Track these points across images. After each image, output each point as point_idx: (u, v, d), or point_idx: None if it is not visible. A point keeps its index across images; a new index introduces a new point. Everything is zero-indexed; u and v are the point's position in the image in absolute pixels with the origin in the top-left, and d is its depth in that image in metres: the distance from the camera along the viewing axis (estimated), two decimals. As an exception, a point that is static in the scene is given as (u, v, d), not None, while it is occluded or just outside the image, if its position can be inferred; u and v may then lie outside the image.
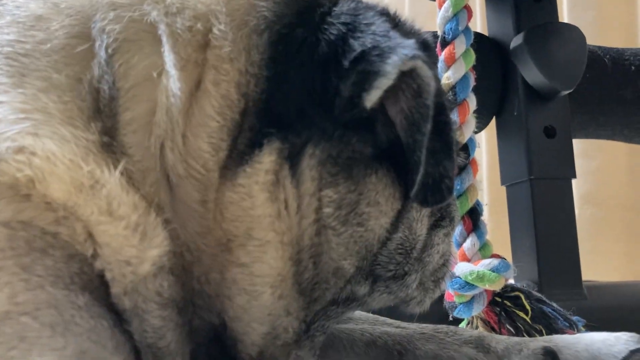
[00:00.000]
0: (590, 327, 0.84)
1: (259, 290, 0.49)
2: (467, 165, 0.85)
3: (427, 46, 0.56)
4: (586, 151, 2.05)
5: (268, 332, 0.52)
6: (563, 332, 0.80)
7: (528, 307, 0.80)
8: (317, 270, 0.52)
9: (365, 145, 0.51)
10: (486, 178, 2.18)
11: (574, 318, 0.84)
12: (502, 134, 1.16)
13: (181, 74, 0.49)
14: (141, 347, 0.48)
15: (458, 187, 0.85)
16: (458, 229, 0.85)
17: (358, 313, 0.79)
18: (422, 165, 0.48)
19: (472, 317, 0.85)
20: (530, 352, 0.65)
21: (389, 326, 0.75)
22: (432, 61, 0.57)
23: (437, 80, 0.49)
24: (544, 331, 0.80)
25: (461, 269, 0.82)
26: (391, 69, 0.46)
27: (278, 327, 0.52)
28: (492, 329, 0.82)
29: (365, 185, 0.51)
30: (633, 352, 0.61)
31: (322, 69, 0.49)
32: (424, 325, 0.74)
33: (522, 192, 1.09)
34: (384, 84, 0.46)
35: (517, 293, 0.81)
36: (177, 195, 0.49)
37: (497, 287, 0.81)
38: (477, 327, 0.84)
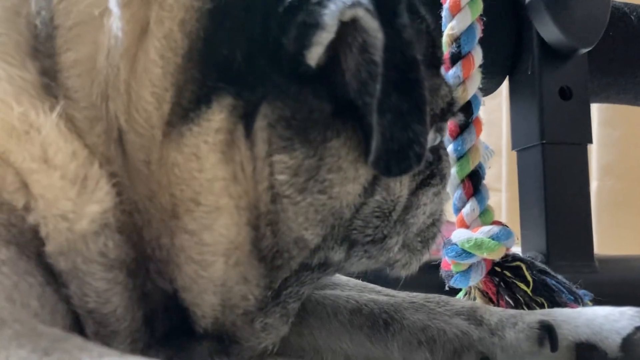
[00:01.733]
0: (600, 302, 0.78)
1: (208, 260, 0.45)
2: (470, 124, 0.78)
3: None
4: (609, 120, 1.95)
5: (221, 303, 0.48)
6: (566, 306, 0.74)
7: (529, 279, 0.74)
8: (277, 239, 0.47)
9: (323, 102, 0.45)
10: (505, 144, 2.10)
11: (580, 291, 0.78)
12: (514, 94, 1.09)
13: (124, 12, 0.43)
14: (81, 312, 0.44)
15: (459, 149, 0.78)
16: (457, 193, 0.79)
17: (345, 279, 0.74)
18: (375, 131, 0.42)
19: (470, 288, 0.79)
20: (525, 325, 0.59)
21: (378, 294, 0.70)
22: (413, 9, 0.50)
23: (399, 30, 0.43)
24: (545, 304, 0.74)
25: (458, 235, 0.76)
26: (330, 20, 0.40)
27: (234, 296, 0.48)
28: (490, 301, 0.77)
29: (326, 149, 0.45)
30: (638, 329, 0.55)
31: (264, 14, 0.43)
32: (415, 294, 0.69)
33: (533, 157, 1.02)
34: (324, 38, 0.41)
35: (518, 263, 0.75)
36: (126, 150, 0.45)
37: (496, 256, 0.75)
38: (474, 298, 0.79)
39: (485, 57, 1.03)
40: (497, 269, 0.77)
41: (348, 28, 0.41)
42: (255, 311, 0.50)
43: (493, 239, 0.74)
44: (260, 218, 0.46)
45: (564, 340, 0.57)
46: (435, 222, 0.59)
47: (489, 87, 1.12)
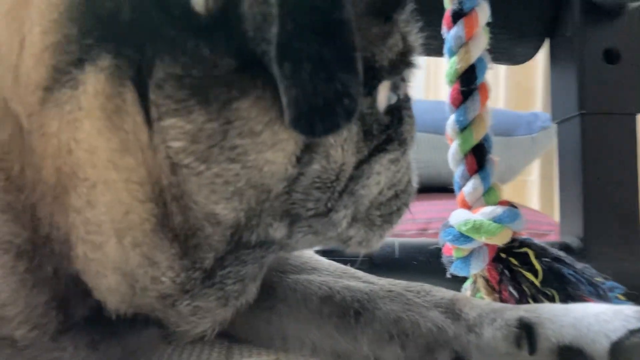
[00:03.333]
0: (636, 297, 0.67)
1: (97, 241, 0.41)
2: (474, 91, 0.69)
3: None
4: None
5: (126, 287, 0.43)
6: (583, 299, 0.64)
7: (538, 267, 0.65)
8: (186, 216, 0.42)
9: (225, 57, 0.39)
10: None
11: (608, 284, 0.67)
12: (555, 60, 0.97)
13: None
14: None
15: (461, 119, 0.69)
16: (459, 170, 0.70)
17: (327, 263, 0.68)
18: (281, 84, 0.37)
19: (475, 276, 0.71)
20: (503, 323, 0.51)
21: (356, 280, 0.63)
22: None
23: None
24: (556, 297, 0.64)
25: (456, 217, 0.67)
26: None
27: (141, 279, 0.43)
28: (494, 291, 0.68)
29: (232, 111, 0.39)
30: (632, 333, 0.45)
31: None
32: (397, 282, 0.62)
33: (572, 130, 0.90)
34: None
35: (525, 249, 0.66)
36: (15, 118, 0.41)
37: (499, 240, 0.65)
38: (478, 289, 0.70)
39: (521, 18, 0.92)
40: (503, 255, 0.67)
41: None
42: (177, 294, 0.46)
43: (495, 222, 0.65)
44: (164, 193, 0.41)
45: (546, 342, 0.48)
46: (398, 195, 0.51)
47: (526, 53, 1.00)
